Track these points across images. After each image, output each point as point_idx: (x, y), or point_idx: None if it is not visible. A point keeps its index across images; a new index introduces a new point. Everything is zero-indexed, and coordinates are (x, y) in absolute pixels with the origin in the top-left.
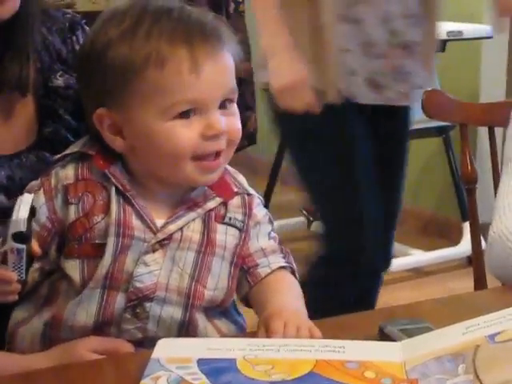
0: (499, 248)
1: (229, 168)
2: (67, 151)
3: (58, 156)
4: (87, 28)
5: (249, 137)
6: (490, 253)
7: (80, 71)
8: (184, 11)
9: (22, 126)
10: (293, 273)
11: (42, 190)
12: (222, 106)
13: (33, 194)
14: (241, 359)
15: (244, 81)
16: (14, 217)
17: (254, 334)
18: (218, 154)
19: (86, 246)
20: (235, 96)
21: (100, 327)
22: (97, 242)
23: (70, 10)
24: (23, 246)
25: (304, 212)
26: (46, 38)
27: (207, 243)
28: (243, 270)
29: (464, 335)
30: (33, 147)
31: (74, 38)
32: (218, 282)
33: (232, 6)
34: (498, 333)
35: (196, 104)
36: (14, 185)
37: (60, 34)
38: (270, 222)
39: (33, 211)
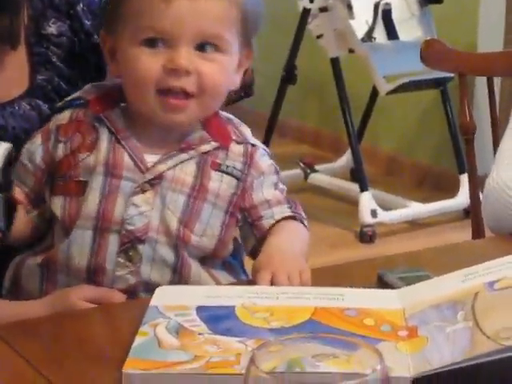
0: (494, 199)
1: (232, 118)
2: (68, 98)
3: (60, 104)
4: None
5: (245, 88)
6: (485, 204)
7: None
8: None
9: (13, 74)
10: (301, 221)
11: (40, 132)
12: (200, 48)
13: (8, 144)
14: (239, 307)
15: None
16: None
17: (249, 282)
18: (187, 95)
19: (70, 183)
20: (221, 44)
21: (94, 272)
22: (80, 179)
23: None
24: None
25: (301, 164)
26: None
27: (199, 188)
28: (248, 223)
29: (463, 283)
30: (26, 95)
31: None
32: (206, 228)
33: None
34: (497, 280)
35: (162, 34)
36: (7, 134)
37: None
38: (276, 172)
39: (9, 160)
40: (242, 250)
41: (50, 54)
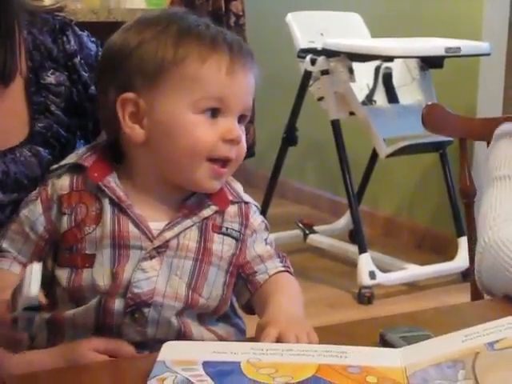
0: (492, 258)
1: None
2: (64, 161)
3: (55, 166)
4: (77, 29)
5: (247, 149)
6: (480, 263)
7: (106, 64)
8: (220, 28)
9: (14, 122)
10: (292, 275)
11: (39, 199)
12: (239, 120)
13: (41, 264)
14: (245, 362)
15: None
16: (25, 289)
17: (254, 339)
18: (227, 162)
19: (77, 256)
20: (249, 115)
21: (100, 329)
22: (87, 252)
23: (61, 13)
24: (34, 314)
25: (300, 225)
26: (37, 37)
27: (204, 252)
28: (242, 278)
29: (463, 342)
30: (26, 142)
31: (65, 38)
32: (212, 290)
33: (233, 19)
34: (497, 340)
35: (224, 104)
36: (9, 180)
37: (51, 34)
38: (266, 228)
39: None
40: (232, 297)
41: (49, 103)
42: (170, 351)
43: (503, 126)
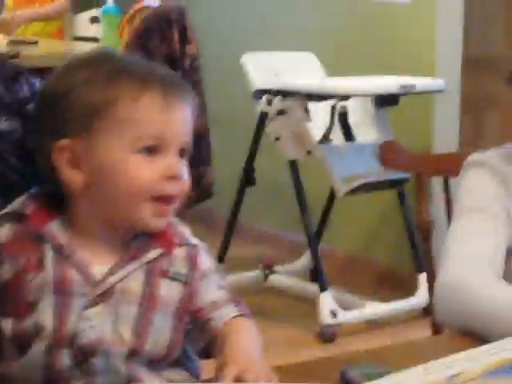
0: (445, 296)
1: (170, 218)
2: (4, 211)
3: None
4: (30, 77)
5: (205, 190)
6: (436, 299)
7: (40, 110)
8: (151, 62)
9: None
10: (248, 318)
11: None
12: (180, 154)
13: None
14: None
15: (200, 135)
16: None
17: (212, 380)
18: (171, 199)
19: (19, 304)
20: (189, 149)
21: (50, 383)
22: (29, 300)
23: (14, 60)
24: None
25: (260, 265)
26: None
27: (149, 297)
28: (197, 325)
29: (424, 376)
30: None
31: (18, 85)
32: (158, 336)
33: (187, 62)
34: (458, 374)
35: (161, 142)
36: None
37: (3, 82)
38: (217, 270)
39: None
40: (185, 341)
41: (2, 150)
42: None
43: (473, 155)
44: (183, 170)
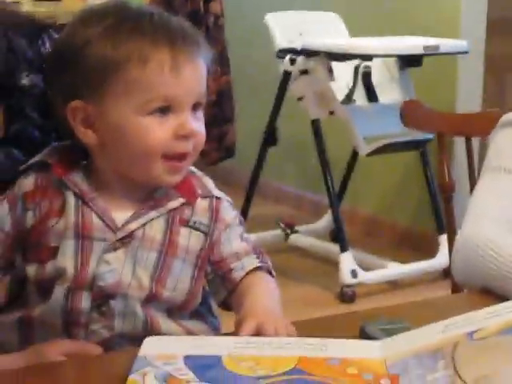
0: (466, 252)
1: (195, 171)
2: (29, 162)
3: (23, 166)
4: (54, 33)
5: (227, 149)
6: (455, 257)
7: (53, 66)
8: (164, 16)
9: None
10: (269, 271)
11: (5, 200)
12: (193, 109)
13: None
14: (226, 356)
15: (223, 93)
16: None
17: (232, 335)
18: (184, 156)
19: (43, 250)
20: (204, 101)
21: (69, 327)
22: (51, 245)
23: (37, 17)
24: None
25: (281, 225)
26: (12, 40)
27: (169, 244)
28: (218, 275)
29: (443, 333)
30: (0, 145)
31: (40, 41)
32: (177, 283)
33: (211, 19)
34: (476, 330)
35: (173, 102)
36: None
37: (27, 38)
38: (241, 223)
39: None
40: (209, 296)
41: (24, 105)
42: (151, 346)
43: (508, 115)
44: (197, 125)
